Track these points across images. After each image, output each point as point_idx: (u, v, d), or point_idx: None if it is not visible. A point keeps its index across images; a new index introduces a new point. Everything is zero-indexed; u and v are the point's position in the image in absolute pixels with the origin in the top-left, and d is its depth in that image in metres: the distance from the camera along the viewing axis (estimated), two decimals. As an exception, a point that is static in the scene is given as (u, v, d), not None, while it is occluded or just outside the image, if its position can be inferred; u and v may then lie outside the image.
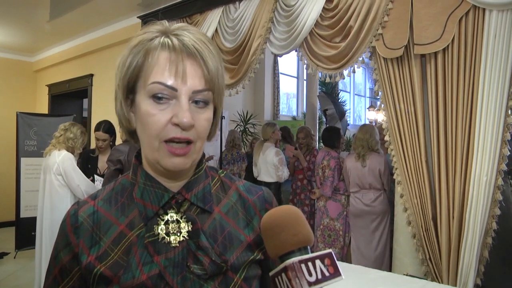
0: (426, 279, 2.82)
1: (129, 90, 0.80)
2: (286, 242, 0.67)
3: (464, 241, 2.72)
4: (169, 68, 0.75)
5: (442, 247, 2.83)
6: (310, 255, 0.65)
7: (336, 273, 0.64)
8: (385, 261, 4.11)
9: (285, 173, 4.97)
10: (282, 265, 0.65)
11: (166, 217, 0.80)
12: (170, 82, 0.74)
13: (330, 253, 0.66)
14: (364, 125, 4.69)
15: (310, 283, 0.62)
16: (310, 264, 0.64)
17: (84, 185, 3.63)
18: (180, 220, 0.80)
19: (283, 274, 0.65)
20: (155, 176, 0.83)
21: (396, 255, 3.25)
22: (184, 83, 0.75)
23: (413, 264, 3.08)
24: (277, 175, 4.94)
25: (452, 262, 2.79)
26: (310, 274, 0.63)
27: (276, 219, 0.70)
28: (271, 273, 0.68)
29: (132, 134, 0.86)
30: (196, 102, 0.77)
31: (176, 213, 0.81)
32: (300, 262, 0.64)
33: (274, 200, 0.94)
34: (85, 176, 3.71)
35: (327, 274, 0.64)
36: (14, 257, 5.66)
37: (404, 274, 2.85)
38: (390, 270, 3.36)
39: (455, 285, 2.75)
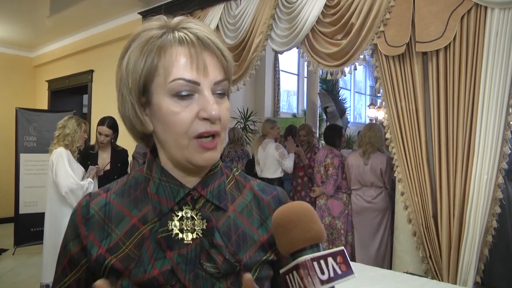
0: (427, 277, 2.82)
1: (143, 92, 0.77)
2: (298, 238, 0.65)
3: (464, 239, 2.72)
4: (190, 63, 0.73)
5: (442, 245, 2.83)
6: (323, 252, 0.63)
7: (348, 271, 0.63)
8: (386, 258, 4.11)
9: (290, 164, 4.91)
10: (294, 263, 0.63)
11: (180, 213, 0.79)
12: (192, 77, 0.73)
13: (343, 250, 0.64)
14: (374, 124, 4.70)
15: (322, 282, 0.60)
16: (322, 261, 0.62)
17: (69, 182, 3.54)
18: (195, 217, 0.79)
19: (294, 272, 0.63)
20: (171, 171, 0.82)
21: (396, 253, 3.25)
22: (205, 76, 0.74)
23: (413, 262, 3.08)
24: (283, 168, 4.91)
25: (453, 260, 2.79)
26: (323, 272, 0.61)
27: (289, 214, 0.68)
28: (281, 271, 0.66)
29: (145, 138, 0.84)
30: (217, 93, 0.76)
31: (191, 210, 0.80)
32: (313, 259, 0.62)
33: (288, 200, 0.92)
34: (73, 175, 3.61)
35: (339, 272, 0.62)
36: (13, 254, 5.65)
37: (404, 272, 2.85)
38: (390, 268, 3.36)
39: (455, 283, 2.75)
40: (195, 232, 0.78)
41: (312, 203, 4.98)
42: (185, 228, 0.78)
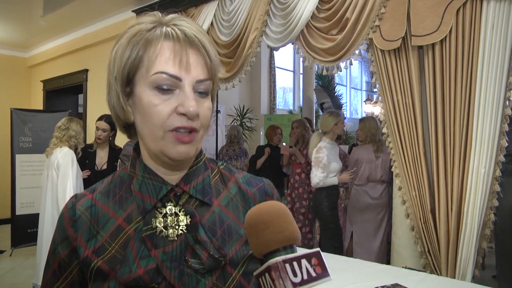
0: (425, 272, 2.81)
1: (127, 81, 0.78)
2: (270, 240, 0.63)
3: (462, 233, 2.72)
4: (173, 58, 0.74)
5: (440, 240, 2.83)
6: (295, 254, 0.62)
7: (323, 273, 0.61)
8: (385, 253, 4.12)
9: (318, 176, 3.83)
10: (265, 265, 0.62)
11: (164, 210, 0.79)
12: (174, 72, 0.74)
13: (318, 252, 0.62)
14: (374, 118, 4.68)
15: (295, 284, 0.59)
16: (295, 263, 0.60)
17: (73, 187, 3.51)
18: (179, 213, 0.79)
19: (266, 274, 0.61)
20: (154, 168, 0.82)
21: (394, 248, 3.25)
22: (188, 73, 0.75)
23: (412, 257, 3.08)
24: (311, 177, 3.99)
25: (451, 254, 2.78)
26: (295, 275, 0.59)
27: (261, 215, 0.66)
28: (255, 273, 0.64)
29: (128, 128, 0.85)
30: (198, 91, 0.77)
31: (175, 206, 0.80)
32: (284, 261, 0.60)
33: (275, 192, 0.92)
34: (75, 179, 3.60)
35: (313, 274, 0.60)
36: (10, 255, 5.63)
37: (403, 267, 2.85)
38: (388, 263, 3.36)
39: (454, 277, 2.75)
40: (179, 228, 0.78)
41: (311, 199, 5.00)
42: (169, 225, 0.78)
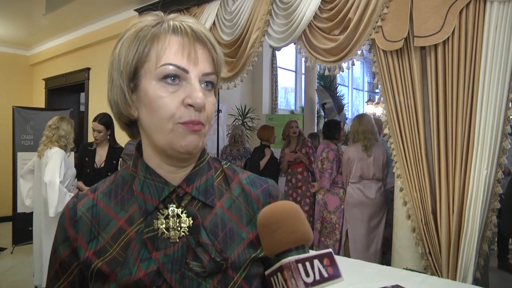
0: (426, 273, 2.80)
1: (133, 76, 0.77)
2: (283, 239, 0.64)
3: (464, 235, 2.71)
4: (182, 51, 0.75)
5: (441, 241, 2.82)
6: (308, 254, 0.62)
7: (335, 274, 0.61)
8: (380, 254, 4.12)
9: None
10: (278, 264, 0.62)
11: (166, 212, 0.78)
12: (182, 64, 0.74)
13: (330, 252, 0.63)
14: (363, 115, 4.67)
15: (307, 284, 0.59)
16: (307, 264, 0.61)
17: (57, 185, 3.40)
18: (181, 215, 0.78)
19: (278, 274, 0.62)
20: (156, 168, 0.81)
21: (395, 249, 3.24)
22: (195, 66, 0.75)
23: (412, 258, 3.07)
24: None
25: (452, 256, 2.77)
26: (308, 275, 0.60)
27: (273, 215, 0.67)
28: (267, 272, 0.65)
29: (131, 126, 0.84)
30: (205, 84, 0.77)
31: (177, 207, 0.79)
32: (297, 261, 0.61)
33: (280, 193, 0.90)
34: (60, 179, 3.47)
35: (325, 275, 0.61)
36: (11, 252, 5.64)
37: (403, 268, 2.84)
38: (388, 264, 3.35)
39: (455, 279, 2.74)
40: (181, 230, 0.77)
41: (314, 196, 4.99)
42: (171, 227, 0.77)
